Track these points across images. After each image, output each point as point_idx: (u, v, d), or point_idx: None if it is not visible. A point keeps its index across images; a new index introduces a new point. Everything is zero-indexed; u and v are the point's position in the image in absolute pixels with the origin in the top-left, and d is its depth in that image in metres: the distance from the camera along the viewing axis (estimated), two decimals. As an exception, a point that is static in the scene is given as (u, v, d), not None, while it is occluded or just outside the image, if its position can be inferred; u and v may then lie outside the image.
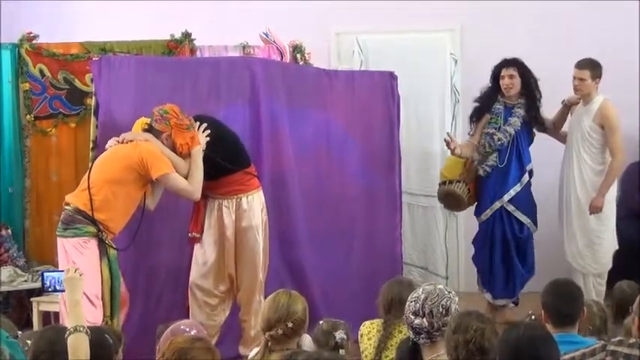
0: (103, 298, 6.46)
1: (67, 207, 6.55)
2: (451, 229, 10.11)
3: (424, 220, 10.08)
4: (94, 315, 6.30)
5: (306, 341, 5.04)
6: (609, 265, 8.37)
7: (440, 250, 10.06)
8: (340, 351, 5.12)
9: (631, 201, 8.70)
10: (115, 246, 6.60)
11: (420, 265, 10.04)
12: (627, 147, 8.83)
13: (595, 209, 8.19)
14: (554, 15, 9.75)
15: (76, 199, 6.54)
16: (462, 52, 9.96)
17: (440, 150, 9.93)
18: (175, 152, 6.72)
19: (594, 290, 8.22)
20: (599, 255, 8.33)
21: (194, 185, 6.70)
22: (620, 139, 8.21)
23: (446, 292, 4.34)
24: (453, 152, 8.57)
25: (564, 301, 4.80)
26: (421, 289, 4.36)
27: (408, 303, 4.34)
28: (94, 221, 6.44)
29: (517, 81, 8.42)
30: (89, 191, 6.48)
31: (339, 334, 5.15)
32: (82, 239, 6.42)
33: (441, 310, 4.22)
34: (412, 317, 4.25)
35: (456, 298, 4.36)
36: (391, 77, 8.64)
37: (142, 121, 6.87)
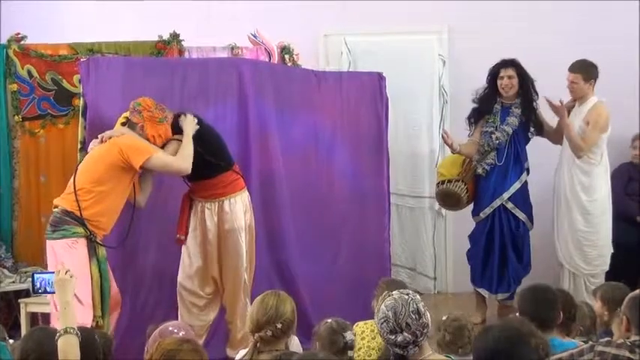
0: (92, 299, 6.47)
1: (55, 209, 6.56)
2: (439, 230, 10.14)
3: (412, 221, 10.11)
4: (83, 315, 6.27)
5: (294, 342, 5.05)
6: (603, 266, 8.41)
7: (428, 251, 10.10)
8: (349, 352, 5.12)
9: (618, 202, 8.72)
10: (105, 245, 6.61)
11: (408, 266, 10.07)
12: (619, 148, 8.87)
13: (556, 107, 8.33)
14: (542, 16, 9.79)
15: (63, 202, 6.56)
16: (450, 54, 9.99)
17: (428, 151, 9.97)
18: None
19: (587, 291, 8.24)
20: (589, 257, 8.38)
21: (184, 157, 6.69)
22: (596, 138, 8.26)
23: (406, 297, 4.24)
24: (451, 148, 8.59)
25: (541, 306, 4.83)
26: (384, 307, 4.23)
27: (379, 324, 4.25)
28: (82, 222, 6.45)
29: (515, 81, 8.51)
30: (76, 194, 6.49)
31: (349, 335, 5.15)
32: (70, 240, 6.43)
33: (413, 317, 4.15)
34: (392, 337, 4.17)
35: (417, 296, 4.29)
36: (379, 78, 8.67)
37: (124, 116, 6.92)
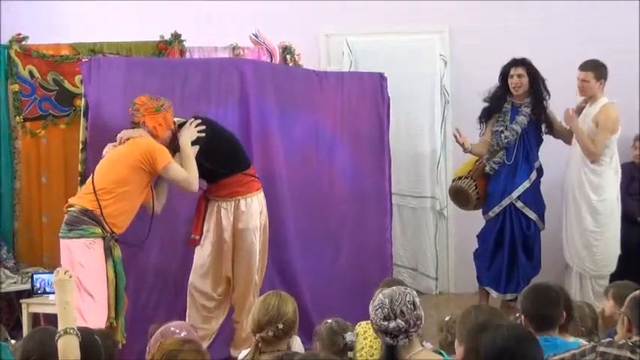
0: (108, 299, 6.48)
1: (71, 209, 6.53)
2: (441, 230, 10.16)
3: (414, 222, 10.14)
4: (98, 316, 6.33)
5: (296, 343, 5.05)
6: (610, 267, 8.42)
7: (430, 251, 10.12)
8: (349, 353, 5.12)
9: (621, 202, 8.73)
10: (115, 237, 6.60)
11: (409, 267, 10.09)
12: (621, 148, 8.87)
13: (567, 115, 8.38)
14: (543, 16, 9.81)
15: (82, 201, 6.54)
16: (451, 54, 10.01)
17: (429, 151, 9.98)
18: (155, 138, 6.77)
19: (593, 292, 8.24)
20: (597, 257, 8.39)
21: (192, 177, 6.73)
22: (604, 139, 8.27)
23: (403, 289, 4.35)
24: (463, 147, 8.62)
25: (543, 305, 4.82)
26: (381, 295, 4.33)
27: (373, 311, 4.32)
28: (100, 222, 6.45)
29: (525, 80, 8.53)
30: (96, 194, 6.49)
31: (350, 336, 5.14)
32: (87, 240, 6.42)
33: (409, 306, 4.23)
34: (385, 323, 4.23)
35: (414, 292, 4.38)
36: (381, 78, 8.69)
37: None
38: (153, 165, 6.59)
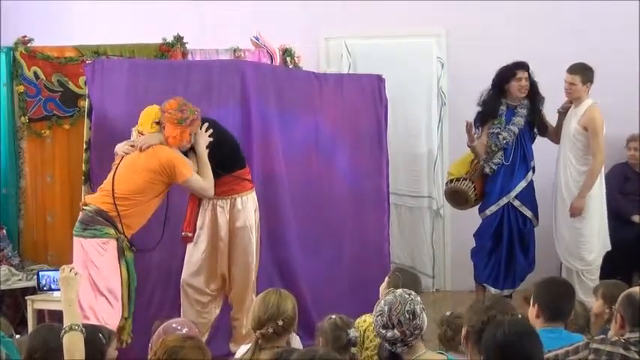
0: (122, 299, 6.55)
1: (86, 207, 6.60)
2: (438, 229, 10.22)
3: (411, 220, 10.19)
4: (111, 314, 6.41)
5: (295, 340, 5.10)
6: (596, 262, 8.49)
7: (426, 249, 10.18)
8: (352, 349, 5.16)
9: (614, 201, 8.82)
10: (133, 249, 6.69)
11: (407, 265, 10.11)
12: (614, 148, 8.95)
13: (575, 210, 8.38)
14: (541, 18, 9.87)
15: (97, 202, 6.60)
16: (448, 56, 10.05)
17: (426, 151, 10.03)
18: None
19: (584, 286, 8.32)
20: (583, 252, 8.46)
21: (209, 183, 6.80)
22: (601, 142, 8.33)
23: (406, 296, 4.26)
24: (472, 140, 8.66)
25: (558, 298, 4.88)
26: (382, 302, 4.27)
27: (374, 318, 4.28)
28: (113, 223, 6.52)
29: (528, 84, 8.61)
30: (114, 199, 6.54)
31: (353, 332, 5.16)
32: (101, 240, 6.49)
33: (407, 316, 4.16)
34: (383, 331, 4.21)
35: (418, 298, 4.31)
36: (379, 80, 8.75)
37: (153, 111, 6.86)
38: (172, 177, 6.64)
